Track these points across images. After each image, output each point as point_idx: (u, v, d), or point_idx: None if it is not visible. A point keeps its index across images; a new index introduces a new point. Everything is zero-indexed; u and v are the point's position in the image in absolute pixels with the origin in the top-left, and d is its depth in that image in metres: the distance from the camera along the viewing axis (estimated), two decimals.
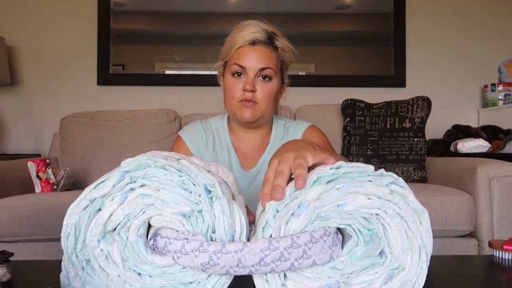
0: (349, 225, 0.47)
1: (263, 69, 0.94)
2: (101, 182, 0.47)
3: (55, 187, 1.72)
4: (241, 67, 0.94)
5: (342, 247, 0.49)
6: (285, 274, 0.48)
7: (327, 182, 0.47)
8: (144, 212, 0.47)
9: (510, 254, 0.74)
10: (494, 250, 0.76)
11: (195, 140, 1.03)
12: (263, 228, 0.47)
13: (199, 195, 0.47)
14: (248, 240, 0.49)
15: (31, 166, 1.69)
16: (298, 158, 0.50)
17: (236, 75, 0.96)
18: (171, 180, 0.47)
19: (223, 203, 0.46)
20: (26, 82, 2.42)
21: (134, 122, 2.06)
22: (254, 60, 0.94)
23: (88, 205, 0.47)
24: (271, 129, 1.07)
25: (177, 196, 0.46)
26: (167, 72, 2.47)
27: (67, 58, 2.42)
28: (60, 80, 2.42)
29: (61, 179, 1.77)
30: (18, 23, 2.41)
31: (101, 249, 0.48)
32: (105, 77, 2.42)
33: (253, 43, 0.94)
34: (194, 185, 0.47)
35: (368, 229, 0.48)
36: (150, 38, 2.47)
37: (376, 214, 0.47)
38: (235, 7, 2.47)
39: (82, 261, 0.49)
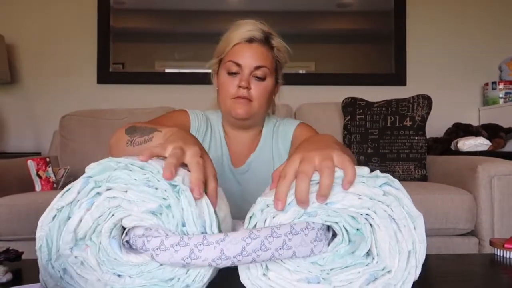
0: (336, 222, 0.47)
1: (258, 67, 0.93)
2: (67, 190, 0.47)
3: (55, 185, 1.72)
4: (237, 64, 0.93)
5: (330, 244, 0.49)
6: (267, 266, 0.48)
7: (317, 183, 0.47)
8: (113, 215, 0.47)
9: (511, 252, 0.74)
10: (495, 249, 0.76)
11: (197, 122, 1.01)
12: (250, 218, 0.48)
13: (165, 190, 0.46)
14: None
15: (31, 164, 1.68)
16: (326, 160, 0.47)
17: (231, 74, 0.95)
18: (136, 180, 0.47)
19: (187, 194, 0.46)
20: (26, 81, 2.42)
21: (134, 120, 2.06)
22: (250, 58, 0.93)
23: (56, 215, 0.47)
24: (262, 129, 1.07)
25: (143, 194, 0.46)
26: (167, 70, 2.47)
27: (67, 56, 2.42)
28: (60, 78, 2.41)
29: (61, 177, 1.77)
30: (18, 21, 2.40)
31: (75, 257, 0.48)
32: (105, 76, 2.42)
33: (250, 40, 0.93)
34: (158, 180, 0.46)
35: (357, 229, 0.47)
36: (150, 36, 2.47)
37: (366, 214, 0.47)
38: (236, 5, 2.47)
39: (59, 271, 0.48)
